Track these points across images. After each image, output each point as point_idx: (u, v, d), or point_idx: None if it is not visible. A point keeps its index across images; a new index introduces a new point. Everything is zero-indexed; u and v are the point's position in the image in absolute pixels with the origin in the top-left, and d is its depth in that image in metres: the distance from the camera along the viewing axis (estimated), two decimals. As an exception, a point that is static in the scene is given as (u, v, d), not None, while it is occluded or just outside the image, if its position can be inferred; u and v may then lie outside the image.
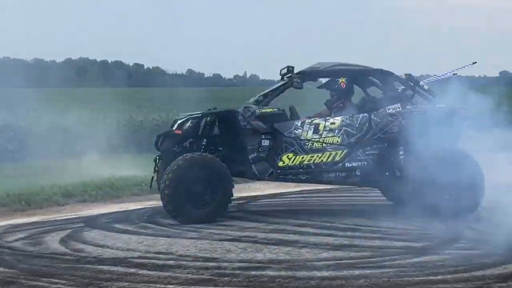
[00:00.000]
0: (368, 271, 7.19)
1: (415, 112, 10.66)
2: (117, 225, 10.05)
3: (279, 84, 11.00)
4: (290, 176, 10.53)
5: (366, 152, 10.60)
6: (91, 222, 10.35)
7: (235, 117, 10.47)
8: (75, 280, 6.93)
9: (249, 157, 10.37)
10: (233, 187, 10.21)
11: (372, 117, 10.61)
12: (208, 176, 9.98)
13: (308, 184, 11.68)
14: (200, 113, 10.65)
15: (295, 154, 10.42)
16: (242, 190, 13.25)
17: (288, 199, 13.01)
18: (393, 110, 10.64)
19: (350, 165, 10.56)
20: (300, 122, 10.55)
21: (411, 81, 10.89)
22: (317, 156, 10.46)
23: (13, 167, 17.39)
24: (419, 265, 7.48)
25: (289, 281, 6.90)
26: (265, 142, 10.44)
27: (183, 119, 10.59)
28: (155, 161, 10.77)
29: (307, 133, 10.49)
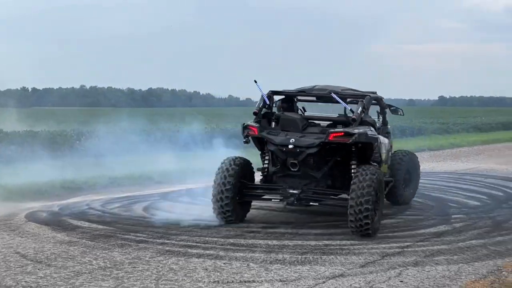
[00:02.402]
0: (346, 230, 6.99)
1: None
2: (180, 198, 9.67)
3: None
4: None
5: None
6: (164, 196, 9.97)
7: None
8: (152, 234, 6.92)
9: None
10: None
11: None
12: None
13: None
14: None
15: None
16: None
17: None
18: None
19: None
20: None
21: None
22: None
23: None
24: (382, 226, 7.31)
25: (293, 235, 6.85)
26: None
27: None
28: None
29: None
